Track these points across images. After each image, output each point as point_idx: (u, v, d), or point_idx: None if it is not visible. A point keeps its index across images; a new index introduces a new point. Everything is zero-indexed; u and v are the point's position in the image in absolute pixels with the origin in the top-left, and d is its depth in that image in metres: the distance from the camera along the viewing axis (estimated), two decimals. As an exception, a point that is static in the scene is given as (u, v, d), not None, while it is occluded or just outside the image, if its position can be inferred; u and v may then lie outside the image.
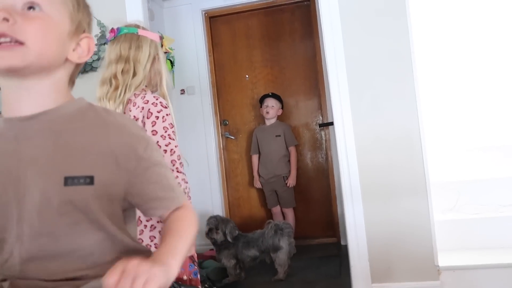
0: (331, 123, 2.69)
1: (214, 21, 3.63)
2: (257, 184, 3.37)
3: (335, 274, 2.68)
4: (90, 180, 0.77)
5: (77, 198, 0.76)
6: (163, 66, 1.60)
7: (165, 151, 1.40)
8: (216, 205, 3.52)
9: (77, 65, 0.86)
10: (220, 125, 3.62)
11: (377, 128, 2.21)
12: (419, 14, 2.84)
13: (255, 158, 3.38)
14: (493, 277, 2.12)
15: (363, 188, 2.21)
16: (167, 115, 1.44)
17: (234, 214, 3.60)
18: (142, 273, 0.63)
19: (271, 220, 2.77)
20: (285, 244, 2.63)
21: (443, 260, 2.16)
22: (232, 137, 3.62)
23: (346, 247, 2.37)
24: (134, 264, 0.64)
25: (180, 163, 1.43)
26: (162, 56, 1.62)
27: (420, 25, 2.88)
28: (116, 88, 1.48)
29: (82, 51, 0.83)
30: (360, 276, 2.22)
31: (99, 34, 2.41)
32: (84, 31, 0.84)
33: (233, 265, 2.66)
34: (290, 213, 3.28)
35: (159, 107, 1.44)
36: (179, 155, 1.43)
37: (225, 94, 3.64)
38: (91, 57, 2.40)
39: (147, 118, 1.42)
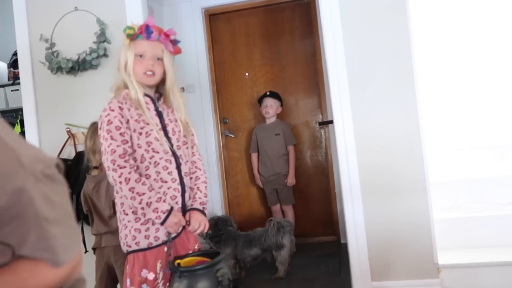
0: (331, 122, 2.68)
1: (214, 19, 3.62)
2: (259, 183, 3.37)
3: (334, 272, 2.68)
4: None
5: None
6: (120, 63, 1.58)
7: (107, 152, 1.44)
8: (216, 203, 3.52)
9: None
10: (220, 123, 3.62)
11: (377, 127, 2.21)
12: (419, 13, 2.84)
13: (254, 156, 3.38)
14: (492, 275, 2.12)
15: (362, 187, 2.21)
16: (114, 117, 1.46)
17: (234, 212, 3.60)
18: None
19: (272, 218, 2.77)
20: (287, 242, 2.63)
21: (443, 258, 2.16)
22: (232, 135, 3.62)
23: (345, 245, 2.37)
24: None
25: (125, 160, 1.44)
26: (122, 54, 1.58)
27: (420, 25, 2.88)
28: None
29: None
30: (359, 274, 2.22)
31: (99, 32, 2.40)
32: None
33: (233, 265, 2.66)
34: (290, 211, 3.29)
35: (106, 112, 1.48)
36: (121, 154, 1.44)
37: (225, 92, 3.64)
38: (90, 54, 2.42)
39: (100, 126, 1.49)
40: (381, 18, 2.20)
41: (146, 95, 1.56)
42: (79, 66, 2.42)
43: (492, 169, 2.70)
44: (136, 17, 2.40)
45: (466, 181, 2.63)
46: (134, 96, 1.51)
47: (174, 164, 1.53)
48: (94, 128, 2.00)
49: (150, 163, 1.49)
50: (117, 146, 1.44)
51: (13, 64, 3.22)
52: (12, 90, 3.10)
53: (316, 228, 3.48)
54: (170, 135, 1.56)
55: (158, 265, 1.49)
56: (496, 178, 2.60)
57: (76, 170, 2.25)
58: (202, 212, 1.57)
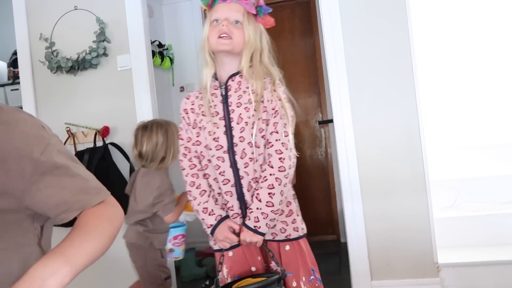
0: (331, 121, 2.69)
1: (214, 18, 3.62)
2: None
3: (334, 271, 2.68)
4: None
5: None
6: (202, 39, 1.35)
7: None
8: (216, 203, 3.52)
9: None
10: (220, 122, 3.62)
11: (376, 126, 2.20)
12: (419, 12, 2.84)
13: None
14: (492, 274, 2.12)
15: (362, 186, 2.21)
16: (181, 113, 1.40)
17: (234, 211, 3.60)
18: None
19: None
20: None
21: (443, 257, 2.16)
22: (232, 135, 3.61)
23: (345, 244, 2.37)
24: None
25: (189, 159, 1.35)
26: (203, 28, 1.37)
27: (420, 24, 2.88)
28: None
29: None
30: (359, 273, 2.22)
31: (98, 31, 2.40)
32: None
33: None
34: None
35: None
36: (183, 153, 1.36)
37: (224, 92, 3.63)
38: (90, 53, 2.42)
39: None
40: (381, 17, 2.20)
41: (214, 79, 1.35)
42: (78, 66, 2.42)
43: (492, 168, 2.70)
44: (136, 16, 2.40)
45: (466, 180, 2.63)
46: (204, 78, 1.35)
47: (227, 163, 1.29)
48: (148, 134, 1.93)
49: (209, 160, 1.33)
50: (181, 145, 1.37)
51: (13, 63, 3.22)
52: (12, 90, 3.10)
53: (316, 227, 3.48)
54: (233, 124, 1.29)
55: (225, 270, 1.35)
56: (496, 177, 2.60)
57: (76, 169, 2.25)
58: (254, 230, 1.26)
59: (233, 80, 1.33)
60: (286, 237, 1.34)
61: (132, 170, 2.35)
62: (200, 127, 1.33)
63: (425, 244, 2.15)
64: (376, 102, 2.20)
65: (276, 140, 1.28)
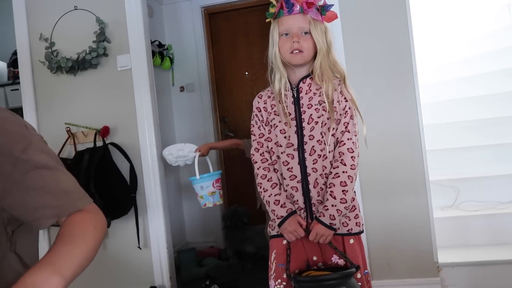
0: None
1: (214, 17, 3.62)
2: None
3: (334, 271, 2.68)
4: None
5: None
6: (269, 48, 1.48)
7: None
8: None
9: None
10: (220, 122, 3.62)
11: (377, 125, 2.20)
12: (419, 12, 2.84)
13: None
14: (492, 273, 2.12)
15: (362, 185, 2.21)
16: (254, 111, 1.48)
17: (234, 211, 3.60)
18: None
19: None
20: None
21: (443, 256, 2.16)
22: (232, 134, 3.62)
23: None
24: None
25: (261, 153, 1.44)
26: (270, 37, 1.49)
27: (420, 23, 2.88)
28: None
29: None
30: (359, 273, 2.22)
31: (98, 31, 2.40)
32: None
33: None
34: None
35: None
36: (256, 147, 1.45)
37: (224, 91, 3.63)
38: (90, 54, 2.42)
39: None
40: (381, 16, 2.20)
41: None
42: (78, 66, 2.42)
43: (492, 168, 2.70)
44: (136, 16, 2.40)
45: (466, 180, 2.63)
46: (277, 83, 1.43)
47: (296, 160, 1.38)
48: None
49: (278, 157, 1.41)
50: (253, 140, 1.47)
51: (13, 63, 3.22)
52: (12, 90, 3.10)
53: (316, 227, 3.48)
54: (304, 124, 1.39)
55: (273, 255, 1.44)
56: (496, 177, 2.60)
57: (76, 169, 2.25)
58: (329, 227, 1.33)
59: (304, 83, 1.42)
60: (348, 231, 1.39)
61: (132, 170, 2.35)
62: (272, 125, 1.43)
63: (425, 244, 2.15)
64: (377, 102, 2.20)
65: (348, 139, 1.36)
